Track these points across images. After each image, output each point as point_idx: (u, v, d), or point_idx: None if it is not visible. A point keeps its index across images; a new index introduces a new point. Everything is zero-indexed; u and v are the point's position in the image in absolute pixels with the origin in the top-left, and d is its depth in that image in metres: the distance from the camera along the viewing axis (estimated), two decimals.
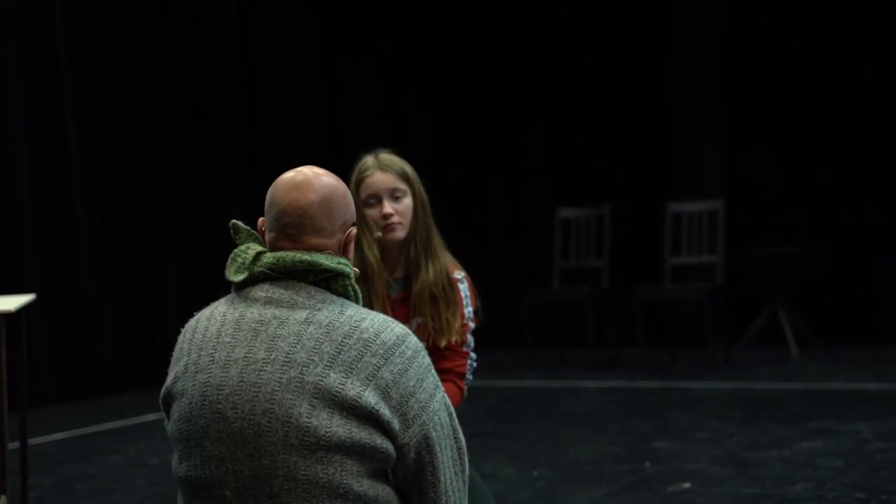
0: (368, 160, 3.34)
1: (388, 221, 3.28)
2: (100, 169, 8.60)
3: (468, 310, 3.45)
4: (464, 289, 3.46)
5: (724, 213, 8.92)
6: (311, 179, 2.24)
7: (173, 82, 9.15)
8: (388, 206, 3.28)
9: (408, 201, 3.31)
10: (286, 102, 9.98)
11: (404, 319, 3.33)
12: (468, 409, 7.17)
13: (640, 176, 9.98)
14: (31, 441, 6.53)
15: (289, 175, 2.26)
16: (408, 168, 3.35)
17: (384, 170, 3.30)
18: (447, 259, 3.41)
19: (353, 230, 2.29)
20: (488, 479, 5.17)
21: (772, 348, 9.18)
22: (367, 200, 3.30)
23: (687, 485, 4.99)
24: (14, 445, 5.52)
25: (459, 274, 3.46)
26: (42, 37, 8.21)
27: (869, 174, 9.34)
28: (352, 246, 2.29)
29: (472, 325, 3.48)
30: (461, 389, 3.47)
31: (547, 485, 5.13)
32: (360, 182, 3.33)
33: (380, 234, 3.29)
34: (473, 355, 3.50)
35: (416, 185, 3.34)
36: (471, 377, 3.51)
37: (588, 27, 10.17)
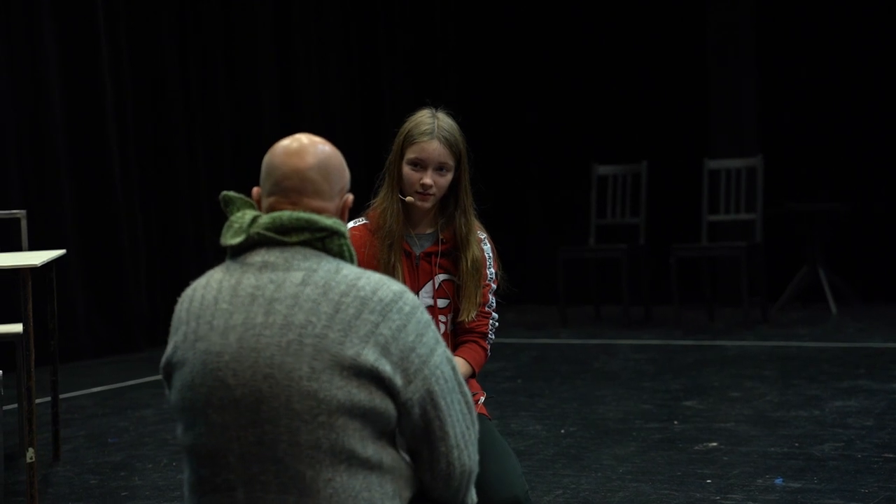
0: (427, 120, 3.27)
1: (425, 192, 3.26)
2: (136, 127, 8.63)
3: (490, 270, 3.43)
4: (487, 250, 3.44)
5: (763, 170, 8.83)
6: (308, 146, 2.26)
7: (210, 42, 9.17)
8: (429, 178, 3.25)
9: (449, 177, 3.28)
10: (320, 66, 9.99)
11: (427, 275, 3.32)
12: (500, 366, 7.20)
13: (678, 133, 9.89)
14: (67, 395, 6.62)
15: (286, 142, 2.28)
16: (461, 141, 3.31)
17: (442, 142, 3.25)
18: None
19: (350, 197, 2.30)
20: (516, 436, 5.17)
21: (810, 307, 9.12)
22: (412, 160, 3.27)
23: (714, 443, 4.97)
24: (47, 399, 5.59)
25: (482, 234, 3.44)
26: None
27: None
28: (347, 213, 2.31)
29: (493, 285, 3.46)
30: (484, 349, 3.46)
31: (573, 442, 5.12)
32: (411, 139, 3.28)
33: (411, 199, 3.28)
34: (495, 315, 3.49)
35: (463, 160, 3.30)
36: (493, 336, 3.51)
37: None
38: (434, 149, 3.25)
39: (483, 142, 10.35)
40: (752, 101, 9.60)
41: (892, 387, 6.03)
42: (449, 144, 3.26)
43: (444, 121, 3.30)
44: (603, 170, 9.45)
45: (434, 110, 3.33)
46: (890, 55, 9.24)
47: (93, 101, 8.30)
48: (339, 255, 2.22)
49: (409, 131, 3.29)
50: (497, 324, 3.49)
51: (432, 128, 3.27)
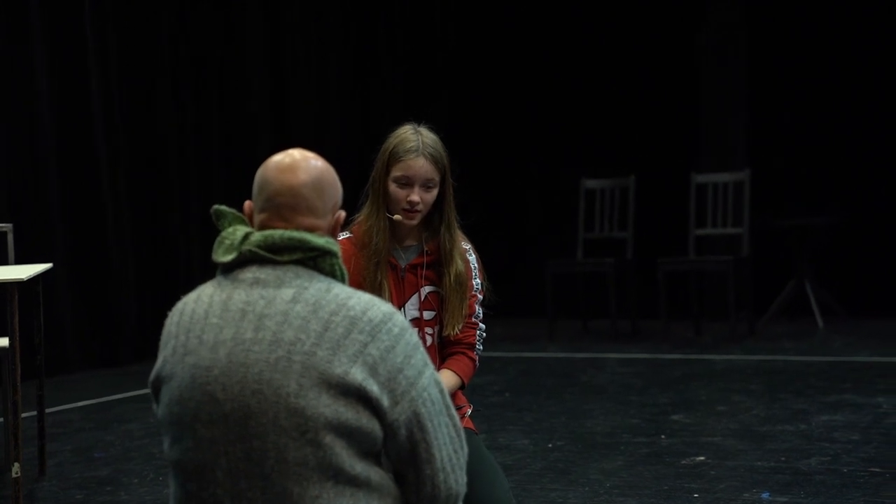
0: (411, 137, 3.26)
1: (412, 209, 3.26)
2: (126, 139, 8.60)
3: (476, 281, 3.43)
4: (472, 260, 3.44)
5: (750, 185, 8.86)
6: (300, 161, 2.24)
7: (200, 54, 9.15)
8: (416, 195, 3.25)
9: (434, 192, 3.28)
10: (319, 67, 9.99)
11: (413, 287, 3.31)
12: (488, 380, 7.19)
13: (666, 147, 9.92)
14: (54, 409, 6.60)
15: (278, 157, 2.27)
16: (445, 156, 3.30)
17: (427, 158, 3.24)
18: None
19: (342, 213, 2.30)
20: (503, 451, 5.17)
21: (797, 321, 9.14)
22: (398, 179, 3.27)
23: (701, 458, 4.98)
24: (33, 413, 5.57)
25: (467, 245, 3.44)
26: (68, 9, 8.23)
27: None
28: (339, 229, 2.30)
29: (479, 296, 3.46)
30: (473, 360, 3.45)
31: (561, 456, 5.12)
32: (396, 156, 3.26)
33: (399, 217, 3.27)
34: (482, 326, 3.49)
35: (447, 174, 3.30)
36: (481, 347, 3.50)
37: None
38: (420, 166, 3.24)
39: (472, 156, 10.42)
40: (739, 115, 9.63)
41: (878, 401, 6.04)
42: (434, 160, 3.26)
43: (428, 136, 3.30)
44: (591, 184, 9.47)
45: (416, 125, 3.33)
46: (879, 71, 9.28)
47: (80, 112, 8.27)
48: (331, 274, 2.21)
49: (393, 148, 3.28)
50: (484, 334, 3.49)
51: (417, 144, 3.26)
